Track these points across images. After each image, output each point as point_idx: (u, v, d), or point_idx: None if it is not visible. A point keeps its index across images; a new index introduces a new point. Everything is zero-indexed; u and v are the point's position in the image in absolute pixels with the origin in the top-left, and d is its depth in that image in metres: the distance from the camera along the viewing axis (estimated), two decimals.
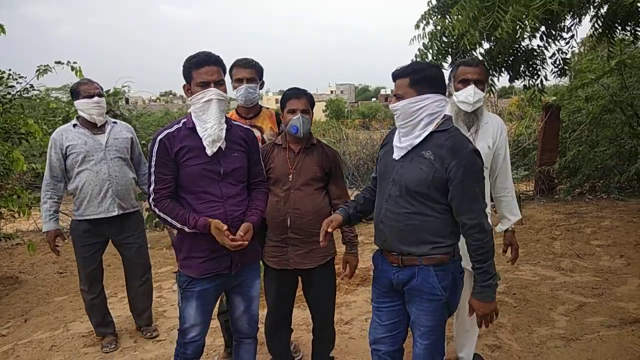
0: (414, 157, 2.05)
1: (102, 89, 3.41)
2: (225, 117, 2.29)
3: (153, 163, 2.19)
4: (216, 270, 2.28)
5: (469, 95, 2.51)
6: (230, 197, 2.28)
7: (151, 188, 2.21)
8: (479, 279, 2.03)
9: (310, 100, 2.59)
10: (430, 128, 2.03)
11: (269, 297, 2.72)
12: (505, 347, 3.29)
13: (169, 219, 2.21)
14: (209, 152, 2.20)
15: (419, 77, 2.01)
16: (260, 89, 2.96)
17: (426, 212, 2.03)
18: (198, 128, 2.21)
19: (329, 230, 2.19)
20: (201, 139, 2.21)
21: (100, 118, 3.32)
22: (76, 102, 3.33)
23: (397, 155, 2.10)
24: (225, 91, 2.24)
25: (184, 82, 2.25)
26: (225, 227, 2.16)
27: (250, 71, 2.86)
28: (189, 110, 2.30)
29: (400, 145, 2.08)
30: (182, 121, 2.27)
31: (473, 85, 2.51)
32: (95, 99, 3.28)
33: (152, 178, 2.20)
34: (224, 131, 2.23)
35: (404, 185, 2.04)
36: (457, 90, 2.58)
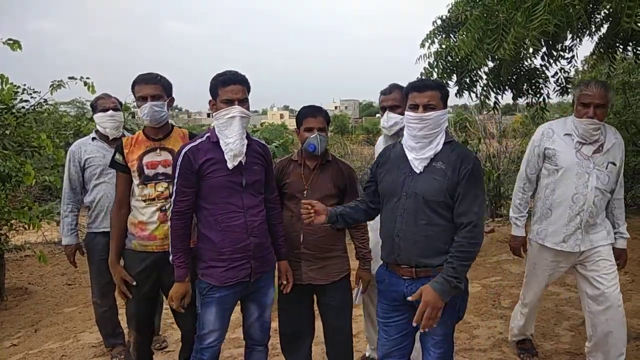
0: (425, 169, 2.16)
1: (120, 104, 3.52)
2: (246, 132, 2.40)
3: (176, 175, 2.31)
4: (237, 278, 2.36)
5: (384, 122, 2.84)
6: (251, 208, 2.38)
7: (172, 198, 2.33)
8: (445, 272, 2.06)
9: (326, 117, 2.65)
10: (444, 139, 2.18)
11: (281, 311, 2.72)
12: None
13: (170, 238, 2.34)
14: (229, 165, 2.31)
15: (445, 93, 2.21)
16: (170, 106, 2.64)
17: (441, 222, 2.13)
18: (221, 142, 2.33)
19: (308, 220, 2.27)
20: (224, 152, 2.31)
21: (113, 131, 3.41)
22: (94, 116, 3.45)
23: (419, 167, 2.17)
24: (248, 109, 2.36)
25: (210, 98, 2.38)
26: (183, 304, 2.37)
27: (155, 87, 2.58)
28: (212, 125, 2.41)
29: (421, 157, 2.17)
30: (207, 135, 2.39)
31: (387, 112, 2.82)
32: (110, 112, 3.38)
33: (174, 189, 2.32)
34: (245, 146, 2.34)
35: (421, 197, 2.13)
36: (381, 117, 2.90)
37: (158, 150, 2.57)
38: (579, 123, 2.77)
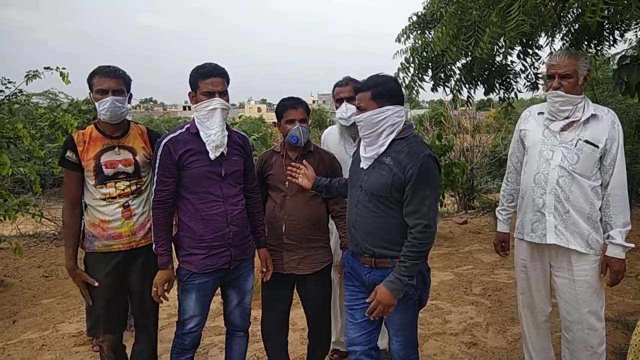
0: (375, 164, 2.20)
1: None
2: (226, 124, 2.45)
3: (156, 165, 2.36)
4: (216, 265, 2.43)
5: (342, 112, 2.89)
6: (230, 197, 2.44)
7: (153, 188, 2.38)
8: (398, 271, 2.07)
9: (306, 108, 2.70)
10: (392, 137, 2.18)
11: (264, 299, 2.78)
12: (480, 344, 3.48)
13: (153, 227, 2.39)
14: (211, 156, 2.36)
15: (379, 91, 2.16)
16: (129, 102, 2.52)
17: (392, 214, 2.15)
18: (202, 133, 2.38)
19: (297, 173, 2.50)
20: (204, 143, 2.37)
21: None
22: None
23: (365, 164, 2.24)
24: (228, 101, 2.42)
25: (190, 90, 2.42)
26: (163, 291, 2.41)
27: (118, 81, 2.43)
28: (192, 116, 2.46)
29: (367, 155, 2.23)
30: (186, 126, 2.44)
31: (345, 102, 2.89)
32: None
33: (155, 179, 2.37)
34: (226, 137, 2.40)
35: (369, 191, 2.18)
36: (336, 108, 2.94)
37: (117, 149, 2.47)
38: (547, 97, 2.49)
